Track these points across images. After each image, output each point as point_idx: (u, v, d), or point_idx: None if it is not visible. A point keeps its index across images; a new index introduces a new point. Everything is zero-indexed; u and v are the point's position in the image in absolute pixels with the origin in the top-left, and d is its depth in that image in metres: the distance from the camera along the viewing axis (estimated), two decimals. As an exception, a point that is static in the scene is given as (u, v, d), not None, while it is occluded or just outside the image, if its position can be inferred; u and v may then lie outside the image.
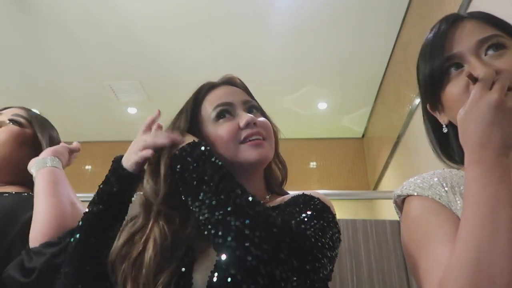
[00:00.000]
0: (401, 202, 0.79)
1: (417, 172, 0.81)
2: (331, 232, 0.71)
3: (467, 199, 0.60)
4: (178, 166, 0.73)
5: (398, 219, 0.83)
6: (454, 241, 0.64)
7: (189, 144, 0.76)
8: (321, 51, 3.70)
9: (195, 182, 0.69)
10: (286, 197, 0.86)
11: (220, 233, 0.61)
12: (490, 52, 0.74)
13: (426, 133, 0.90)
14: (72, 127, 4.66)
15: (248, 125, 0.85)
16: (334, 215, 0.76)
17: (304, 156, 4.87)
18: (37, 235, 0.90)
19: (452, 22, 0.79)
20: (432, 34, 0.81)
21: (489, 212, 0.56)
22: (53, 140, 1.21)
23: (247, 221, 0.60)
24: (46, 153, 1.07)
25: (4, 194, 1.07)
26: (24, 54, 3.77)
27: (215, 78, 1.00)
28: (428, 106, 0.85)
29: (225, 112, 0.88)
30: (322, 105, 4.48)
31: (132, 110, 4.65)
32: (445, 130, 0.82)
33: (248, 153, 0.84)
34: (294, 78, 4.02)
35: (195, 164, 0.71)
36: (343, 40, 3.57)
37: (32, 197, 0.99)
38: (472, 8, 2.06)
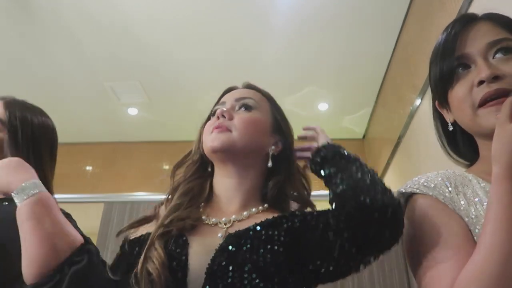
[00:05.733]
0: (404, 201, 0.79)
1: (418, 173, 0.81)
2: None
3: (497, 210, 0.59)
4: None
5: (399, 219, 0.83)
6: (460, 244, 0.64)
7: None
8: (321, 52, 3.70)
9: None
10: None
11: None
12: (499, 55, 0.74)
13: (434, 128, 0.90)
14: (72, 128, 4.67)
15: (218, 118, 0.90)
16: None
17: (305, 157, 4.86)
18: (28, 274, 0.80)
19: (466, 22, 0.78)
20: (445, 35, 0.80)
21: None
22: (36, 136, 1.13)
23: None
24: (26, 174, 0.87)
25: (4, 203, 0.98)
26: (25, 54, 3.77)
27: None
28: (436, 103, 0.85)
29: (216, 110, 0.93)
30: (323, 106, 4.48)
31: (132, 111, 4.65)
32: (450, 128, 0.82)
33: (206, 141, 0.90)
34: (295, 79, 4.02)
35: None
36: (343, 41, 3.56)
37: None
38: (473, 8, 2.05)
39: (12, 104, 1.14)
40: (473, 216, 0.68)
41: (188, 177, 0.92)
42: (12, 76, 4.00)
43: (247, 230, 0.77)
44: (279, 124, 0.99)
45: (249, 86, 1.02)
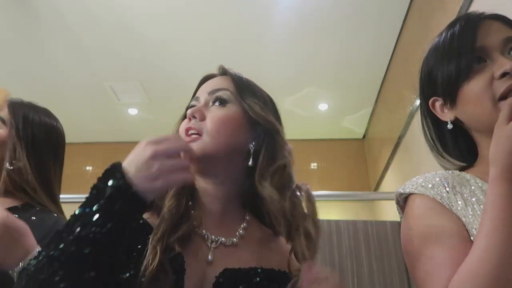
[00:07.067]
0: (403, 201, 0.79)
1: (418, 173, 0.81)
2: None
3: (492, 212, 0.60)
4: None
5: (398, 220, 0.83)
6: (456, 245, 0.65)
7: None
8: (322, 52, 3.70)
9: None
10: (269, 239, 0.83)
11: None
12: None
13: (425, 129, 0.90)
14: (72, 128, 4.66)
15: (189, 120, 0.81)
16: None
17: (305, 157, 4.87)
18: None
19: (478, 19, 0.79)
20: (458, 30, 0.79)
21: None
22: (37, 135, 1.13)
23: None
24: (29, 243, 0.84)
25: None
26: (25, 54, 3.78)
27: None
28: (430, 102, 0.84)
29: (192, 107, 0.85)
30: (323, 106, 4.48)
31: (132, 111, 4.65)
32: (450, 126, 0.81)
33: None
34: (295, 80, 4.02)
35: None
36: (343, 41, 3.57)
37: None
38: (473, 8, 2.05)
39: (17, 104, 1.15)
40: (470, 216, 0.68)
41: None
42: (12, 76, 4.00)
43: (246, 273, 0.74)
44: (253, 114, 0.83)
45: (224, 72, 0.92)
